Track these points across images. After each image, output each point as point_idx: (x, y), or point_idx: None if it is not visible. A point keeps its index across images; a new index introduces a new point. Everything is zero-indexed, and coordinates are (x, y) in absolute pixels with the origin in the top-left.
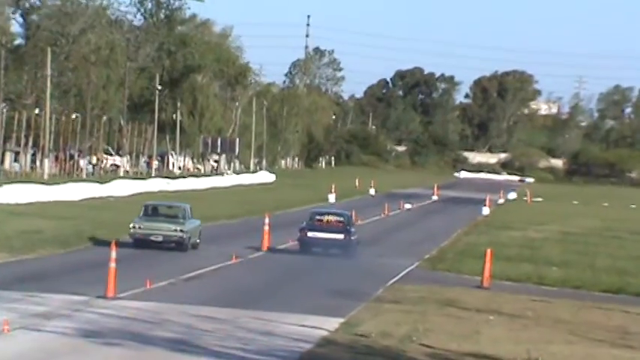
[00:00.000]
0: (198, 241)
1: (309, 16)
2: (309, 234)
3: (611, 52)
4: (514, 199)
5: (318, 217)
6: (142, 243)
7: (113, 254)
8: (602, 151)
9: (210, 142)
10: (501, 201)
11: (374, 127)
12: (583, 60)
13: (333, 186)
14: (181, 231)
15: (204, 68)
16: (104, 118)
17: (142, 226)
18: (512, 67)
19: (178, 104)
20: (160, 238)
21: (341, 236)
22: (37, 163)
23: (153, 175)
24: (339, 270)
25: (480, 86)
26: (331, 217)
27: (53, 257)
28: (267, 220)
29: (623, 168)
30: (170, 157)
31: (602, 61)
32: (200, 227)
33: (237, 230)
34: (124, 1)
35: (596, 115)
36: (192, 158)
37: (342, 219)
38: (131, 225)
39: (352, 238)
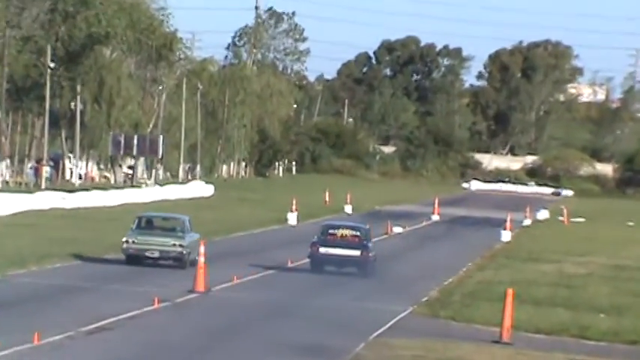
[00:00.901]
0: (197, 258)
1: None
2: (322, 250)
3: None
4: (545, 220)
5: (330, 231)
6: (135, 259)
7: None
8: None
9: (122, 140)
10: (528, 222)
11: (351, 119)
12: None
13: (294, 201)
14: (181, 246)
15: (115, 38)
16: None
17: (135, 241)
18: (542, 36)
19: (78, 88)
20: (157, 254)
21: (357, 253)
22: None
23: (43, 187)
24: (305, 318)
25: (499, 63)
26: (346, 231)
27: None
28: (202, 250)
29: None
30: (67, 161)
31: None
32: (199, 242)
33: (162, 263)
34: None
35: None
36: (97, 163)
37: (358, 233)
38: (124, 239)
39: (370, 254)
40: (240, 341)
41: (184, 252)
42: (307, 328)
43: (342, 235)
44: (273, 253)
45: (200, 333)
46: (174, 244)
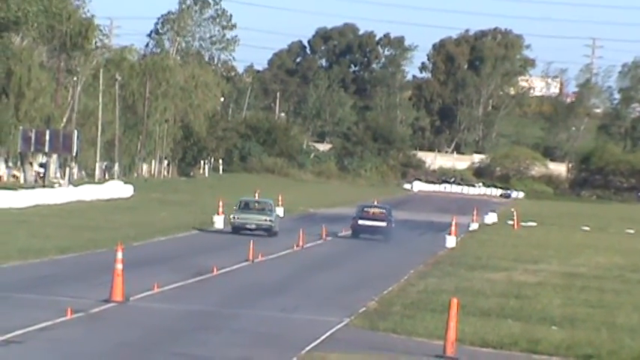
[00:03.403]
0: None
1: None
2: (360, 222)
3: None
4: (494, 224)
5: (365, 209)
6: (239, 229)
7: None
8: (626, 152)
9: (33, 136)
10: (475, 226)
11: (283, 114)
12: (597, 14)
13: (221, 203)
14: (270, 221)
15: (25, 24)
16: None
17: (239, 217)
18: (490, 24)
19: None
20: (254, 226)
21: (384, 224)
22: None
23: None
24: (232, 330)
25: (443, 53)
26: (376, 210)
27: None
28: (119, 256)
29: None
30: None
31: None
32: (278, 217)
33: (74, 270)
34: None
35: (616, 97)
36: (5, 161)
37: (384, 210)
38: (231, 216)
39: (392, 225)
40: (158, 356)
41: (272, 225)
42: (234, 341)
43: (373, 212)
44: (198, 259)
45: (115, 347)
46: (265, 219)
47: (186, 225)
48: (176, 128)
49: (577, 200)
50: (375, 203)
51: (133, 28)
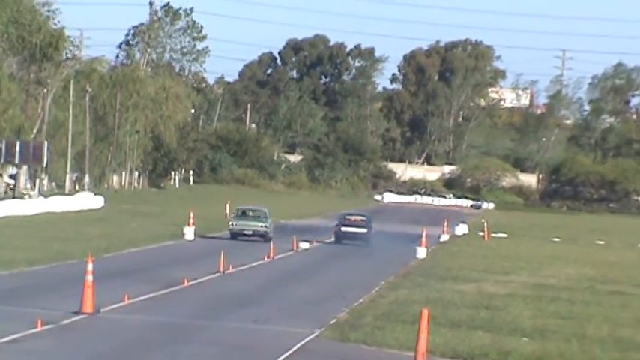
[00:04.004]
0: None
1: None
2: (342, 229)
3: (608, 15)
4: (464, 235)
5: (347, 217)
6: (237, 235)
7: None
8: (596, 164)
9: (3, 147)
10: (445, 237)
11: (254, 125)
12: (567, 26)
13: (192, 215)
14: (265, 227)
15: None
16: None
17: (237, 224)
18: (461, 35)
19: None
20: (250, 232)
21: (365, 230)
22: None
23: None
24: (202, 341)
25: (414, 64)
26: (357, 217)
27: None
28: (90, 267)
29: (626, 188)
30: None
31: (596, 27)
32: (272, 224)
33: (44, 282)
34: None
35: (586, 108)
36: None
37: (364, 218)
38: (230, 223)
39: (372, 231)
40: None
41: (267, 230)
42: (205, 352)
43: (354, 220)
44: (168, 271)
45: (86, 359)
46: (261, 226)
47: (156, 236)
48: (147, 139)
49: (547, 211)
50: (357, 212)
51: (103, 39)
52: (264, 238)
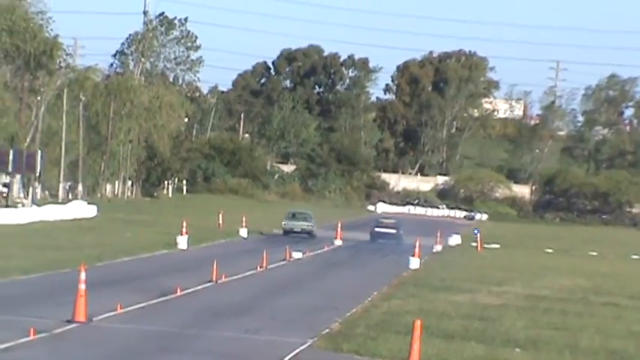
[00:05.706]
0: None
1: None
2: (376, 229)
3: (602, 26)
4: (457, 246)
5: (380, 220)
6: (288, 233)
7: None
8: (590, 175)
9: None
10: (438, 248)
11: (247, 135)
12: (561, 38)
13: (185, 224)
14: (311, 226)
15: None
16: None
17: (288, 224)
18: (455, 46)
19: None
20: (299, 230)
21: (394, 231)
22: None
23: None
24: (195, 351)
25: (408, 75)
26: (389, 221)
27: None
28: (82, 276)
29: (619, 199)
30: None
31: (590, 39)
32: (316, 224)
33: (37, 291)
34: None
35: (580, 120)
36: None
37: (395, 221)
38: (282, 223)
39: (402, 232)
40: None
41: (312, 229)
42: None
43: (387, 222)
44: (161, 280)
45: None
46: (307, 225)
47: (150, 245)
48: (140, 149)
49: (540, 222)
50: (388, 217)
51: (97, 48)
52: (310, 235)
